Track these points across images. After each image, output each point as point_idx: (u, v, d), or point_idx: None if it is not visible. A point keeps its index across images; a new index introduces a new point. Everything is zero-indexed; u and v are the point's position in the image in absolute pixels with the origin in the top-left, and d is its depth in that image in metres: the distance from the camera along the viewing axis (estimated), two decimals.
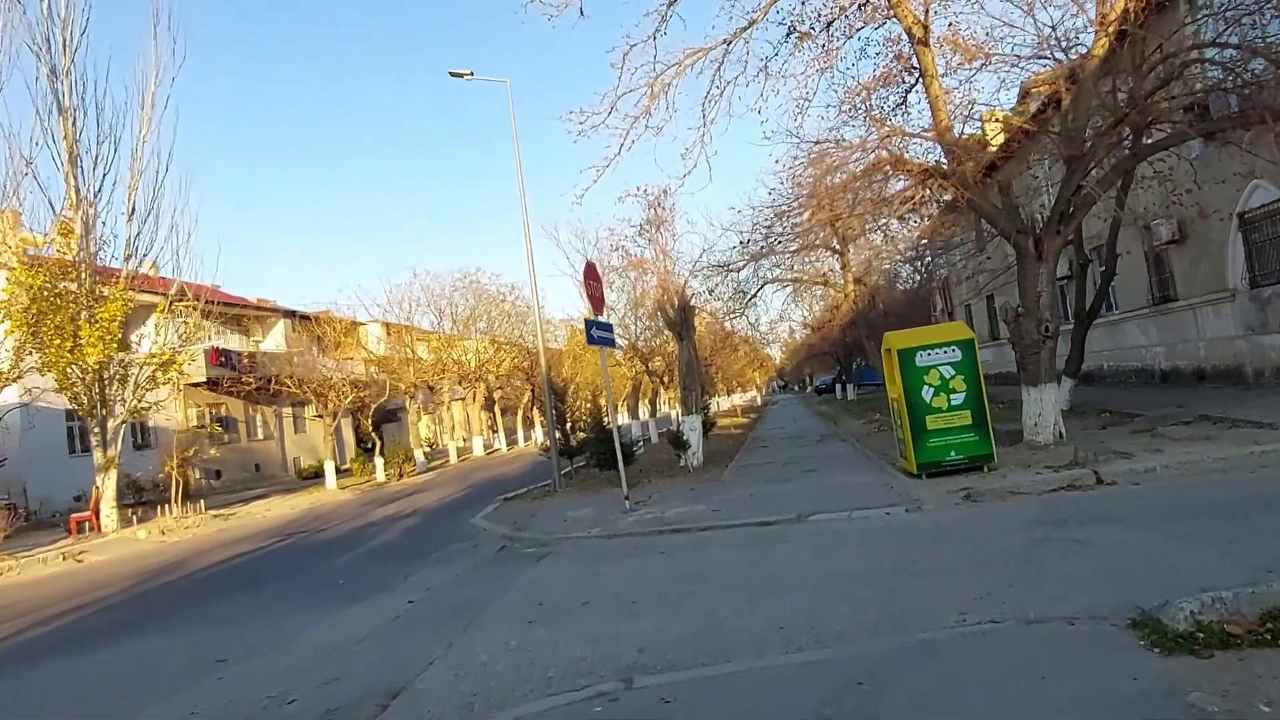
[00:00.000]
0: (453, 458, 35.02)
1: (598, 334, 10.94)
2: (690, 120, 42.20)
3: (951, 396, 10.67)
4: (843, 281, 23.39)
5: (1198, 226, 16.91)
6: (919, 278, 38.56)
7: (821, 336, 38.40)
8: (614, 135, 12.31)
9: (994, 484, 8.90)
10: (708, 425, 19.85)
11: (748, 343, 40.10)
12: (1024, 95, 18.39)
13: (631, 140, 12.38)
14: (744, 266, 25.26)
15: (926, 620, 4.66)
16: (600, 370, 35.20)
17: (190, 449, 23.57)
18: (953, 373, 10.69)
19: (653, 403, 31.32)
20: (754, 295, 25.43)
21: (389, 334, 38.63)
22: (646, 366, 25.14)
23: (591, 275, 10.99)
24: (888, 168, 11.86)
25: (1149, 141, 11.70)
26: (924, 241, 32.38)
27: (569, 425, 17.20)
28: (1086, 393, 19.22)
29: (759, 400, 73.57)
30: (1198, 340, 17.67)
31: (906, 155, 12.06)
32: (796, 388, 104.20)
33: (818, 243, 24.38)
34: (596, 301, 11.07)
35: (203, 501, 22.30)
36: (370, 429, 37.79)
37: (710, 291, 18.01)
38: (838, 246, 23.72)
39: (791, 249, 24.86)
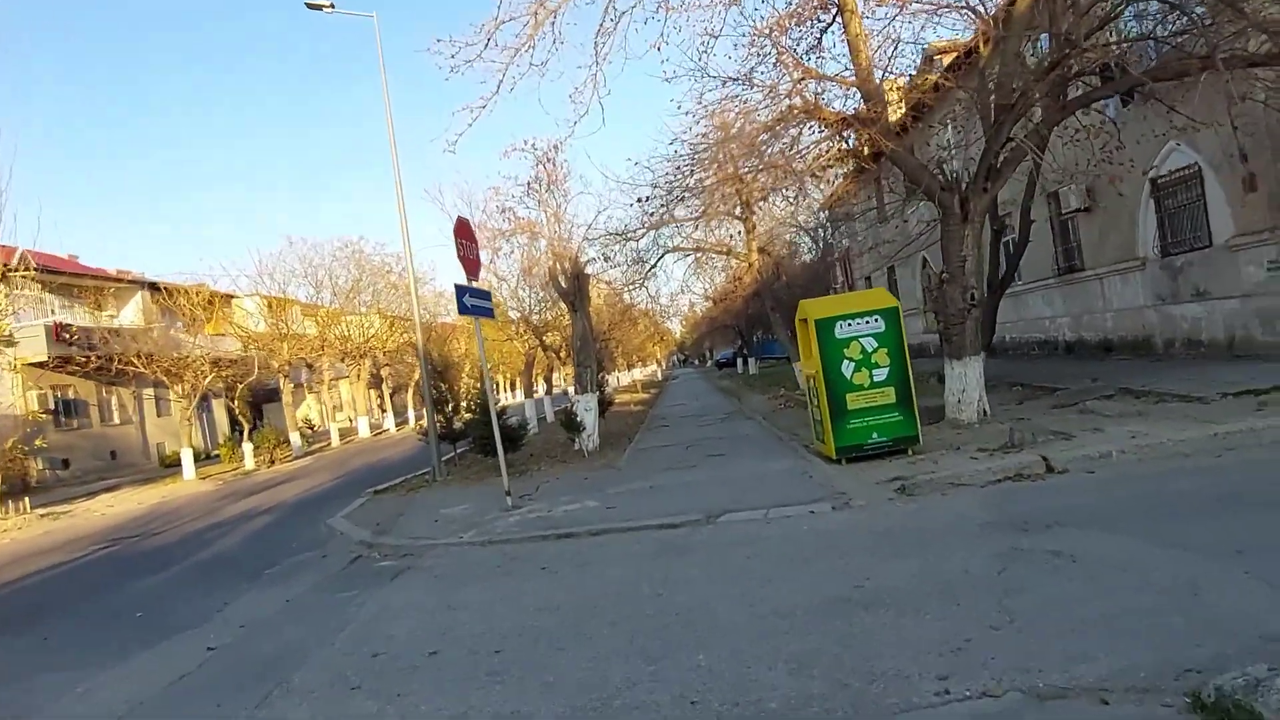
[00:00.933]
0: (334, 441, 32.50)
1: (471, 302, 9.26)
2: (581, 58, 40.25)
3: (874, 372, 9.53)
4: (746, 250, 22.24)
5: (1108, 194, 16.43)
6: (819, 249, 38.13)
7: (723, 309, 37.44)
8: (492, 71, 10.56)
9: (928, 472, 7.75)
10: (604, 404, 18.39)
11: (648, 316, 38.84)
12: (928, 60, 17.54)
13: (513, 80, 10.67)
14: (643, 235, 23.93)
15: (895, 690, 3.32)
16: (494, 345, 33.28)
17: (12, 438, 20.52)
18: (875, 345, 9.54)
19: (548, 380, 29.70)
20: (654, 265, 24.01)
21: (270, 309, 35.58)
22: (541, 341, 23.48)
23: (464, 233, 9.28)
24: (801, 116, 10.55)
25: (1079, 95, 10.80)
26: (825, 212, 31.82)
27: (451, 407, 15.42)
28: (991, 366, 18.71)
29: (660, 375, 72.76)
30: (1105, 311, 17.32)
31: (822, 103, 10.79)
32: (697, 362, 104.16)
33: (722, 210, 23.13)
34: (470, 265, 9.37)
35: (28, 499, 19.42)
36: (245, 411, 34.88)
37: (607, 259, 16.48)
38: (741, 214, 22.52)
39: (694, 217, 23.61)
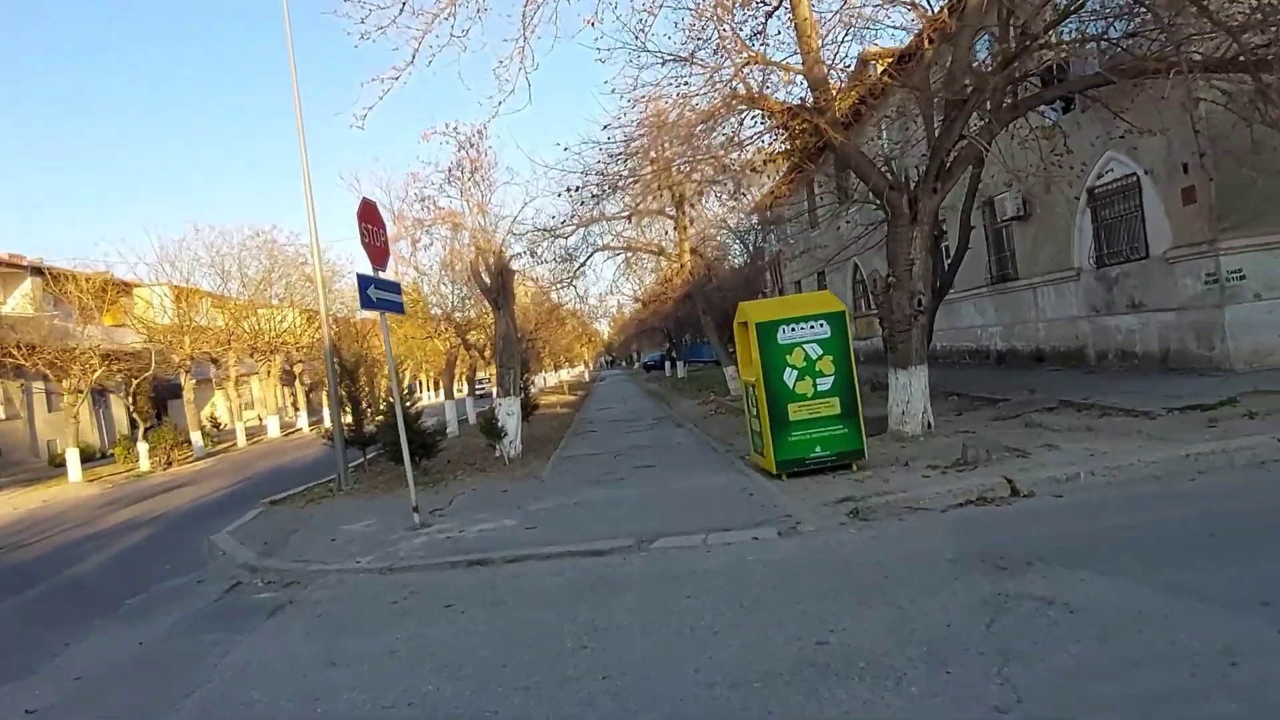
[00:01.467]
0: (240, 441, 30.55)
1: (377, 295, 8.21)
2: (508, 30, 39.05)
3: (818, 381, 8.87)
4: (678, 251, 21.56)
5: (1044, 203, 16.29)
6: (749, 253, 37.68)
7: (652, 311, 36.82)
8: (407, 39, 9.52)
9: (880, 492, 7.08)
10: (529, 408, 17.43)
11: (576, 316, 37.94)
12: (863, 63, 17.15)
13: (431, 50, 9.65)
14: (572, 232, 23.03)
15: None
16: (415, 344, 31.74)
17: None
18: (820, 352, 8.88)
19: (471, 380, 28.48)
20: (584, 263, 23.19)
21: (177, 300, 33.23)
22: (464, 339, 22.29)
23: (369, 217, 8.22)
24: (744, 104, 9.83)
25: (1032, 94, 10.39)
26: (755, 216, 31.40)
27: (362, 408, 14.22)
28: None
29: (587, 377, 71.84)
30: (1037, 321, 17.19)
31: (766, 92, 10.10)
32: (624, 364, 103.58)
33: (653, 208, 22.41)
34: (376, 253, 8.32)
35: None
36: (146, 408, 32.55)
37: (533, 254, 15.51)
38: (673, 213, 21.85)
39: (624, 214, 22.82)
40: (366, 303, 8.04)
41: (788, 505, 7.25)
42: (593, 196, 11.15)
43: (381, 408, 14.10)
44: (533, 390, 34.91)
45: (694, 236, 23.59)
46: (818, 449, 8.84)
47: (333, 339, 14.57)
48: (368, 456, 14.33)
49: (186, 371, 27.42)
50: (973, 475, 7.23)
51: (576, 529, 7.39)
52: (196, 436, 26.49)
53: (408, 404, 14.47)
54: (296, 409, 41.36)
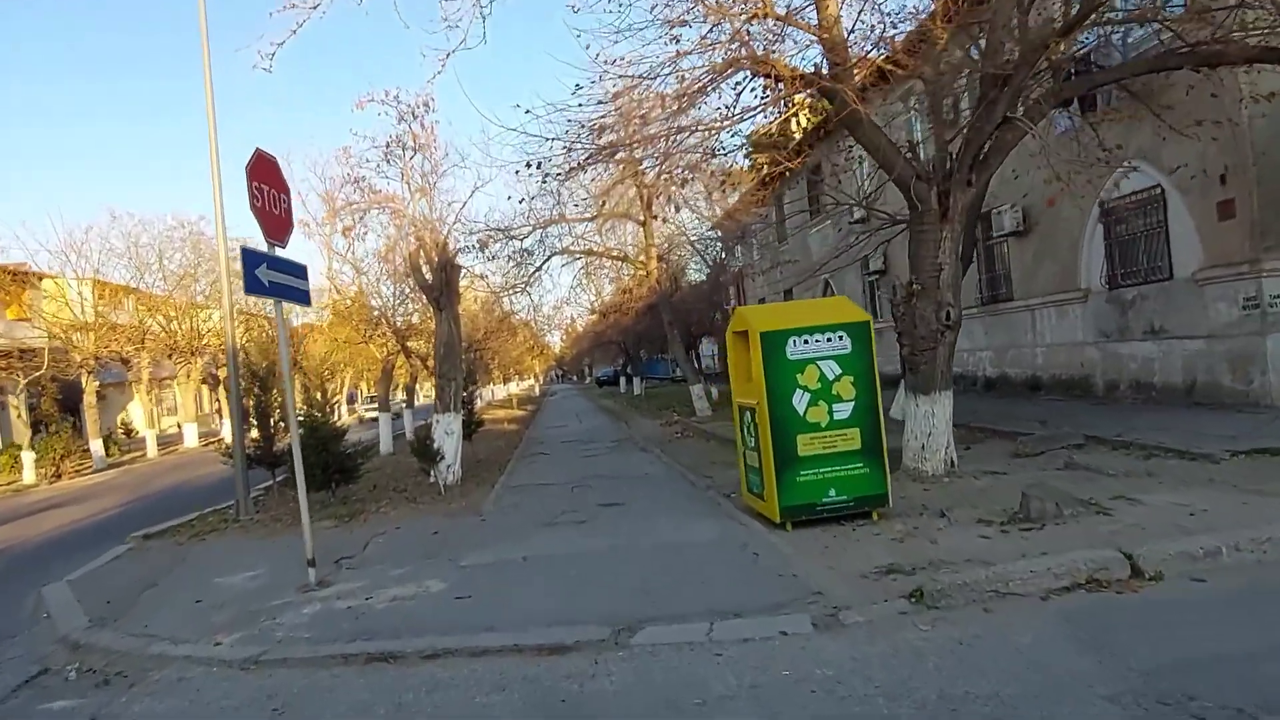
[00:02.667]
0: (151, 451, 27.73)
1: (271, 278, 6.18)
2: None
3: (835, 407, 7.10)
4: (645, 258, 19.79)
5: (1046, 217, 14.91)
6: (711, 268, 35.83)
7: (610, 323, 34.94)
8: None
9: (934, 561, 5.29)
10: (473, 424, 15.36)
11: (529, 327, 35.87)
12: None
13: None
14: (530, 233, 21.09)
15: None
16: (363, 349, 29.41)
17: None
18: (839, 372, 7.12)
19: (410, 391, 26.18)
20: (541, 266, 21.22)
21: (102, 294, 30.26)
22: (403, 345, 20.11)
23: (264, 174, 6.20)
24: (748, 67, 8.06)
25: (1079, 77, 8.84)
26: (717, 231, 29.69)
27: (273, 422, 12.03)
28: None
29: (537, 390, 69.56)
30: (1035, 346, 15.75)
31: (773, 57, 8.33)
32: (575, 378, 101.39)
33: (619, 210, 20.61)
34: (272, 223, 6.29)
35: None
36: (53, 410, 29.53)
37: (484, 248, 13.49)
38: (640, 217, 20.06)
39: (588, 216, 20.98)
40: (254, 285, 6.00)
41: (812, 574, 5.41)
42: (557, 176, 9.20)
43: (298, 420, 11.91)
44: (478, 404, 32.69)
45: (661, 244, 21.81)
46: (832, 492, 7.05)
47: (250, 340, 12.36)
48: (278, 479, 12.14)
49: (88, 372, 24.61)
50: (1046, 537, 5.49)
51: (526, 601, 5.44)
52: (97, 445, 23.73)
53: (327, 417, 12.40)
54: (221, 416, 38.39)
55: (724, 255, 29.11)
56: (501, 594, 5.66)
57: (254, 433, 12.15)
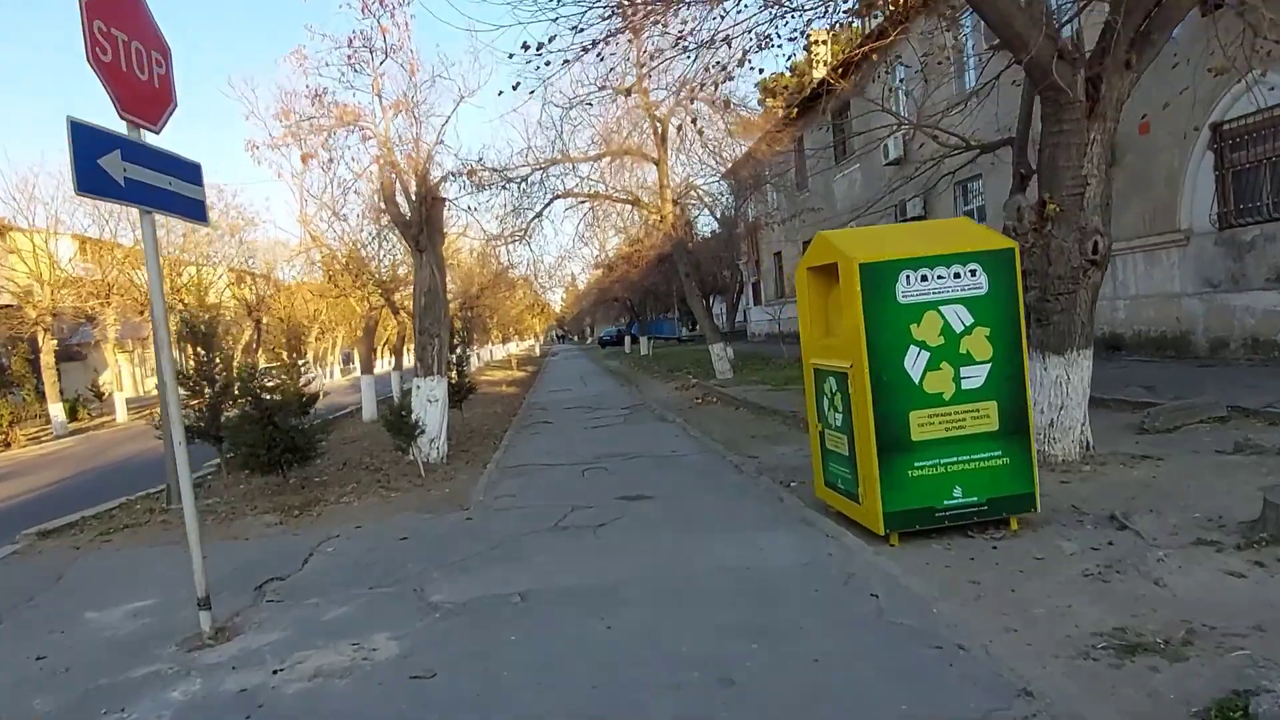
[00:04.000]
0: (121, 416, 25.69)
1: (123, 171, 4.02)
2: None
3: (964, 372, 4.99)
4: (659, 200, 17.51)
5: (1136, 146, 12.64)
6: (723, 218, 33.47)
7: (616, 279, 32.69)
8: None
9: (1187, 621, 3.21)
10: (464, 390, 13.24)
11: (528, 283, 33.60)
12: None
13: None
14: (529, 174, 18.77)
15: None
16: (329, 306, 27.40)
17: None
18: (969, 321, 4.99)
19: (398, 353, 24.05)
20: (541, 212, 18.92)
21: (84, 250, 27.98)
22: (389, 299, 17.96)
23: (114, 12, 4.02)
24: None
25: None
26: (729, 183, 27.20)
27: (223, 389, 9.90)
28: None
29: (538, 351, 67.44)
30: (1115, 298, 13.54)
31: None
32: (576, 338, 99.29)
33: (630, 144, 18.26)
34: (129, 88, 4.10)
35: None
36: (25, 371, 27.54)
37: (472, 177, 11.16)
38: (655, 154, 17.73)
39: (592, 158, 18.65)
40: (95, 182, 3.83)
41: (992, 644, 3.31)
42: (563, 61, 6.95)
43: (264, 383, 9.74)
44: (473, 365, 30.44)
45: (678, 185, 19.47)
46: (958, 491, 4.97)
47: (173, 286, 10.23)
48: (226, 455, 10.05)
49: (45, 330, 22.45)
50: None
51: (523, 694, 3.34)
52: (57, 410, 21.68)
53: (286, 383, 10.28)
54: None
55: (740, 205, 26.77)
56: (484, 672, 3.56)
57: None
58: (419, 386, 10.14)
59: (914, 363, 4.93)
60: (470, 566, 5.24)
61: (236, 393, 9.32)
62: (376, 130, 10.31)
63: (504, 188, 18.62)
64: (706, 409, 13.63)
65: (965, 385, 4.96)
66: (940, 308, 4.94)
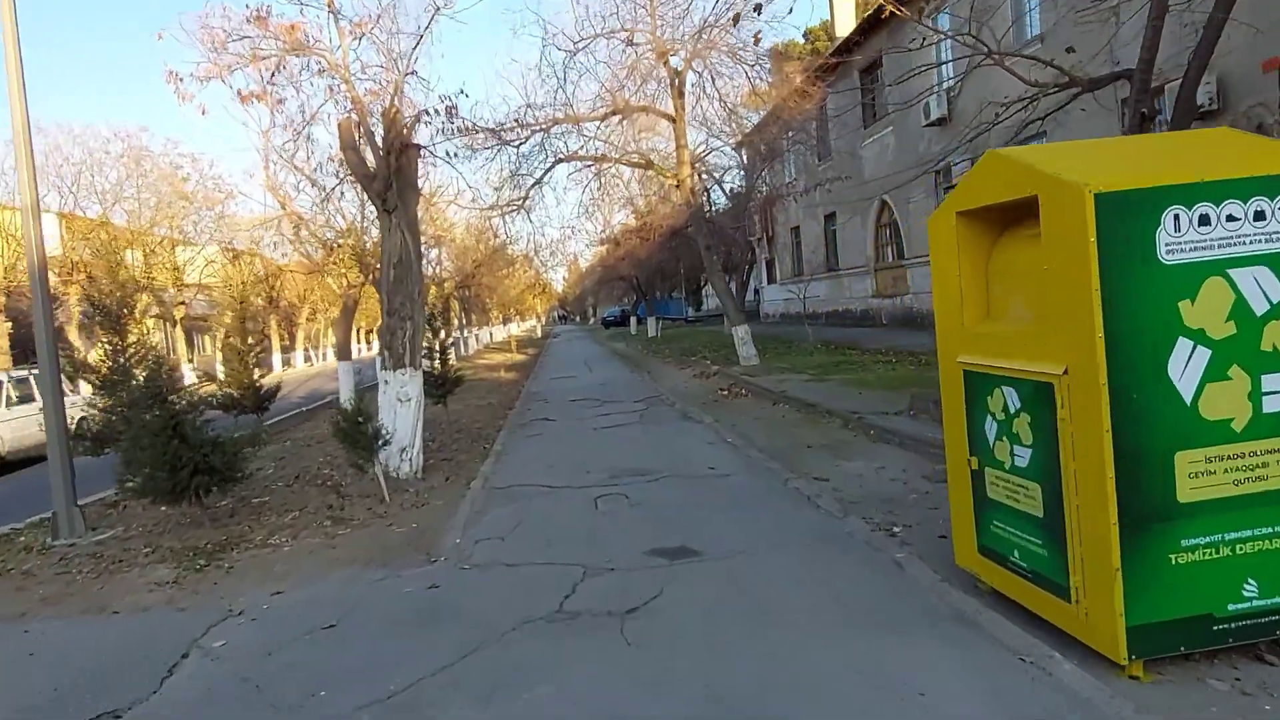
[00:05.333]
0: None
1: None
2: None
3: (1267, 384, 2.87)
4: (676, 163, 15.29)
5: (1258, 86, 10.46)
6: (725, 196, 30.96)
7: (622, 255, 30.49)
8: None
9: None
10: (447, 385, 11.07)
11: (528, 260, 31.41)
12: None
13: None
14: (528, 137, 16.58)
15: None
16: (304, 283, 25.32)
17: None
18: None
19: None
20: (543, 177, 16.75)
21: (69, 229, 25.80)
22: (369, 274, 15.84)
23: None
24: None
25: None
26: (741, 152, 24.86)
27: (135, 384, 7.81)
28: None
29: (539, 332, 65.31)
30: None
31: None
32: (578, 319, 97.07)
33: (635, 100, 16.03)
34: None
35: None
36: None
37: (450, 115, 8.95)
38: (669, 110, 15.50)
39: (600, 113, 16.42)
40: None
41: None
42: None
43: (175, 379, 7.65)
44: (471, 347, 28.26)
45: (697, 146, 17.24)
46: (1252, 587, 2.90)
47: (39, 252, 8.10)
48: (124, 482, 7.93)
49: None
50: None
51: None
52: None
53: (240, 372, 8.20)
54: (190, 362, 34.32)
55: (755, 176, 24.46)
56: None
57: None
58: (386, 382, 8.04)
59: (1185, 368, 2.83)
60: (421, 708, 3.16)
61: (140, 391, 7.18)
62: (332, 58, 8.15)
63: (499, 149, 16.49)
64: (736, 403, 11.53)
65: (1270, 406, 2.87)
66: (1231, 272, 2.84)
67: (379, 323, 9.15)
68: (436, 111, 8.48)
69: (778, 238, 32.85)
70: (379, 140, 8.03)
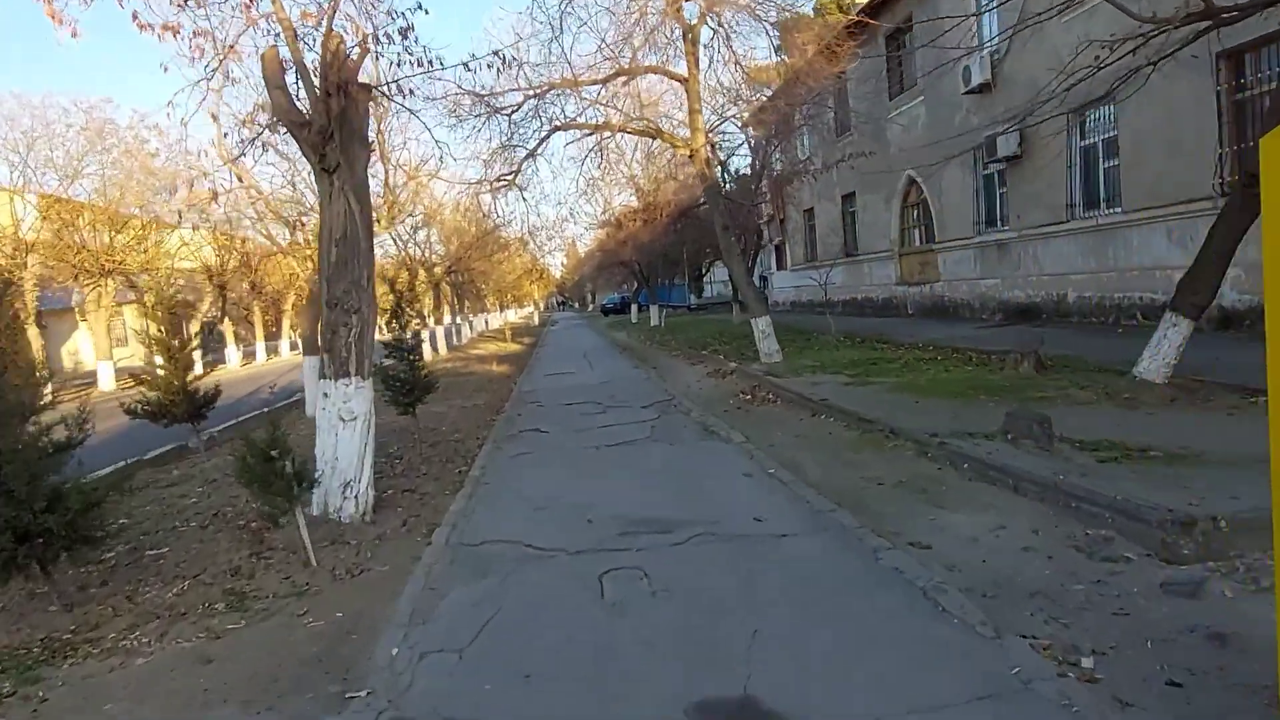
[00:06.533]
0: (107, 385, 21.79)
1: None
2: None
3: None
4: (690, 129, 13.28)
5: None
6: (726, 178, 28.79)
7: (623, 239, 28.48)
8: None
9: None
10: (416, 392, 9.04)
11: (523, 245, 29.43)
12: None
13: None
14: (520, 104, 14.62)
15: None
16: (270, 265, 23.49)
17: None
18: None
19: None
20: (538, 148, 14.79)
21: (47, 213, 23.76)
22: None
23: None
24: None
25: None
26: (749, 130, 22.79)
27: None
28: (1228, 343, 10.77)
29: (537, 319, 63.30)
30: None
31: None
32: (578, 305, 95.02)
33: (647, 66, 14.05)
34: None
35: None
36: None
37: (404, 36, 6.94)
38: (683, 70, 13.49)
39: (598, 80, 14.43)
40: None
41: None
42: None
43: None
44: (464, 336, 26.24)
45: (711, 116, 15.24)
46: None
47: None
48: None
49: None
50: None
51: None
52: None
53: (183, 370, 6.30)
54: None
55: (770, 152, 22.40)
56: None
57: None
58: (326, 395, 6.14)
59: None
60: None
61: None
62: None
63: (488, 118, 14.53)
64: (765, 412, 9.64)
65: None
66: None
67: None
68: (390, 38, 6.49)
69: (789, 220, 30.87)
70: (315, 78, 6.11)
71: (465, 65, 8.50)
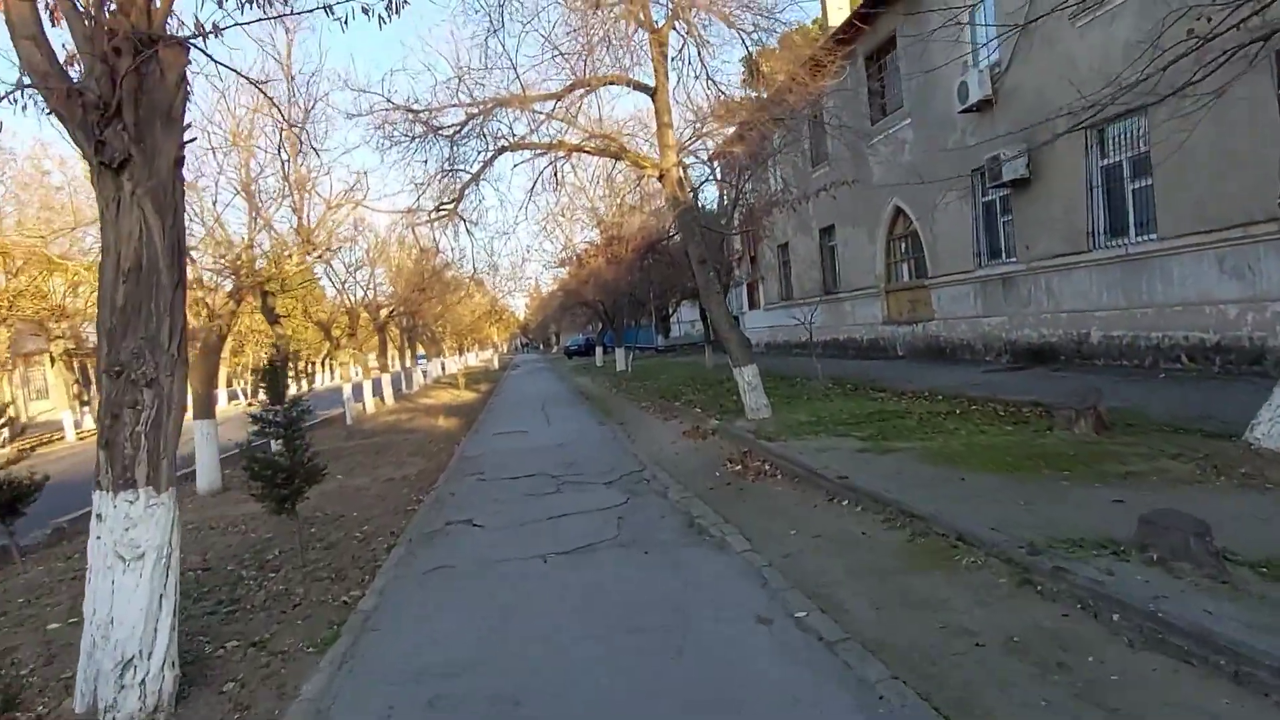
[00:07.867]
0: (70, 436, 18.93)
1: None
2: None
3: None
4: (660, 147, 11.25)
5: None
6: (727, 201, 27.11)
7: (585, 279, 26.39)
8: None
9: None
10: (295, 482, 6.67)
11: (478, 284, 27.22)
12: None
13: None
14: (464, 124, 12.55)
15: None
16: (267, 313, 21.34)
17: None
18: None
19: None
20: (482, 171, 12.67)
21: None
22: (239, 293, 11.70)
23: None
24: None
25: None
26: (715, 164, 20.97)
27: None
28: (1148, 390, 8.84)
29: (496, 363, 60.76)
30: None
31: None
32: (541, 347, 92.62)
33: (608, 76, 12.07)
34: None
35: None
36: None
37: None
38: (650, 81, 11.54)
39: (552, 95, 12.41)
40: None
41: None
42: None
43: None
44: (404, 389, 24.27)
45: (682, 128, 13.27)
46: None
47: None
48: None
49: None
50: None
51: None
52: None
53: None
54: (83, 404, 29.59)
55: (741, 183, 20.51)
56: None
57: None
58: (100, 517, 3.87)
59: None
60: None
61: None
62: None
63: (423, 139, 12.45)
64: (764, 492, 7.49)
65: None
66: None
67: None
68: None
69: (760, 257, 29.06)
70: (88, 27, 3.94)
71: (414, 112, 6.43)
